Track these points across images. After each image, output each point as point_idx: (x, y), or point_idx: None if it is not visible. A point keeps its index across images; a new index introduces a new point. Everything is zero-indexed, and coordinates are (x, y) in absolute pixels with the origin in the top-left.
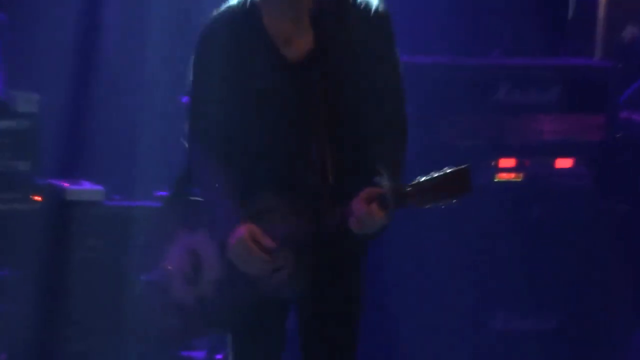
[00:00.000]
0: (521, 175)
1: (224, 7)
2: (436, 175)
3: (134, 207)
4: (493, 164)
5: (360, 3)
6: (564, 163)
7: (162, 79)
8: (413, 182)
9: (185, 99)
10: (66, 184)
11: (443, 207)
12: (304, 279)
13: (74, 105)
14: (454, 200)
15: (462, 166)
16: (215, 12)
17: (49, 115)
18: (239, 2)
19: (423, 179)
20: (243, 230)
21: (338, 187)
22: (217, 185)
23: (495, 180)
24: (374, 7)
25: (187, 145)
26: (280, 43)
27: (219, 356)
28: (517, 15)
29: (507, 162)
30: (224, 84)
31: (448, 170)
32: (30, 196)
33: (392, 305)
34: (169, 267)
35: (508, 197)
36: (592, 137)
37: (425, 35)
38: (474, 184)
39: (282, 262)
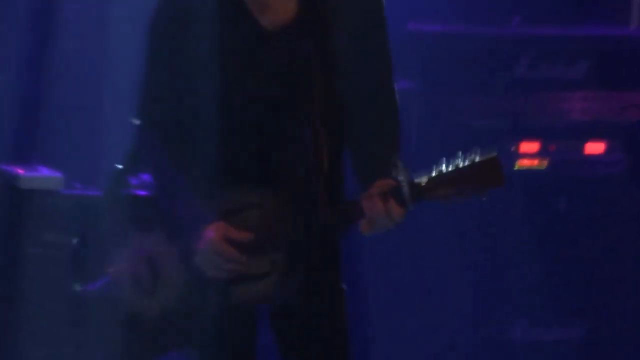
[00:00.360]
0: (545, 162)
1: None
2: (460, 165)
3: (97, 197)
4: (513, 148)
5: None
6: (594, 148)
7: (131, 55)
8: (434, 174)
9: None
10: (20, 170)
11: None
12: (293, 286)
13: (30, 82)
14: (483, 195)
15: (491, 155)
16: None
17: (1, 93)
18: None
19: (445, 169)
20: (212, 231)
21: (332, 178)
22: (178, 177)
23: (515, 167)
24: None
25: (138, 128)
26: (256, 9)
27: None
28: None
29: (529, 147)
30: (187, 56)
31: (475, 160)
32: None
33: (398, 311)
34: (120, 275)
35: (530, 188)
36: (627, 117)
37: (436, 2)
38: None
39: (267, 267)
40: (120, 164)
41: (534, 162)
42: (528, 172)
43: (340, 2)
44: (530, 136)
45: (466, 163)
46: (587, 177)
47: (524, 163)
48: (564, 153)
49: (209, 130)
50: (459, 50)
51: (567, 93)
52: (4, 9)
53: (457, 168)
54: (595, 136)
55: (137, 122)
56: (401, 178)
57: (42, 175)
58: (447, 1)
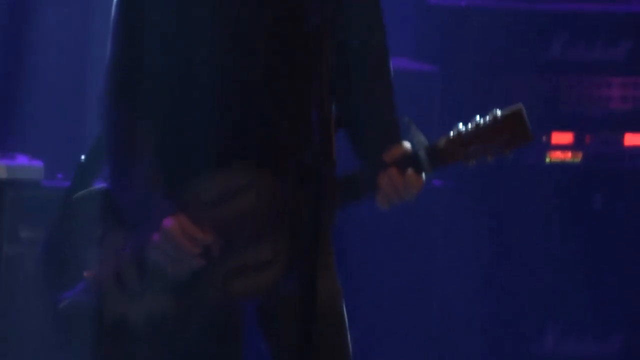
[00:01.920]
0: (580, 154)
1: None
2: (480, 121)
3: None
4: (544, 139)
5: None
6: (634, 140)
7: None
8: (452, 134)
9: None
10: None
11: (493, 160)
12: (298, 276)
13: (5, 62)
14: (509, 152)
15: (515, 108)
16: None
17: None
18: None
19: (464, 128)
20: (169, 222)
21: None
22: (147, 162)
23: (547, 160)
24: None
25: (106, 105)
26: None
27: None
28: None
29: (561, 137)
30: (166, 20)
31: (496, 114)
32: None
33: (415, 317)
34: (99, 279)
35: (562, 183)
36: None
37: None
38: (520, 163)
39: (268, 255)
40: (87, 156)
41: (567, 155)
42: (560, 166)
43: None
44: (563, 125)
45: (487, 119)
46: (626, 172)
47: (555, 156)
48: (601, 145)
49: (200, 98)
50: (484, 27)
51: (605, 78)
52: None
53: (477, 125)
54: (635, 127)
55: (106, 97)
56: (416, 142)
57: (20, 164)
58: None
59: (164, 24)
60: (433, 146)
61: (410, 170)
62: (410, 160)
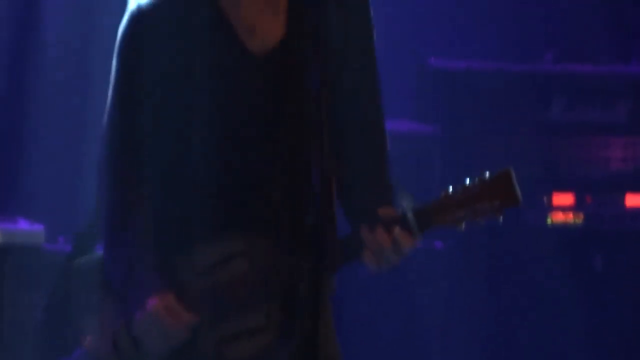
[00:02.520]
0: (581, 215)
1: None
2: (469, 184)
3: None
4: (545, 200)
5: None
6: (636, 200)
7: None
8: (441, 197)
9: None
10: None
11: (482, 223)
12: (293, 341)
13: (5, 120)
14: (497, 215)
15: (503, 170)
16: None
17: None
18: None
19: (453, 190)
20: (155, 300)
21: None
22: (137, 234)
23: (548, 222)
24: None
25: (101, 174)
26: (243, 32)
27: None
28: (575, 9)
29: (563, 198)
30: (167, 83)
31: (485, 177)
32: None
33: None
34: (96, 348)
35: (563, 245)
36: None
37: (460, 35)
38: (521, 224)
39: (262, 321)
40: (85, 225)
41: (569, 216)
42: (562, 227)
43: (328, 20)
44: (563, 186)
45: (476, 182)
46: (627, 233)
47: (557, 217)
48: (602, 206)
49: (192, 167)
50: (485, 89)
51: (605, 138)
52: None
53: (466, 188)
54: (636, 187)
55: (100, 165)
56: (404, 204)
57: (21, 229)
58: (472, 36)
59: (160, 93)
60: (422, 208)
61: (397, 230)
62: (398, 222)
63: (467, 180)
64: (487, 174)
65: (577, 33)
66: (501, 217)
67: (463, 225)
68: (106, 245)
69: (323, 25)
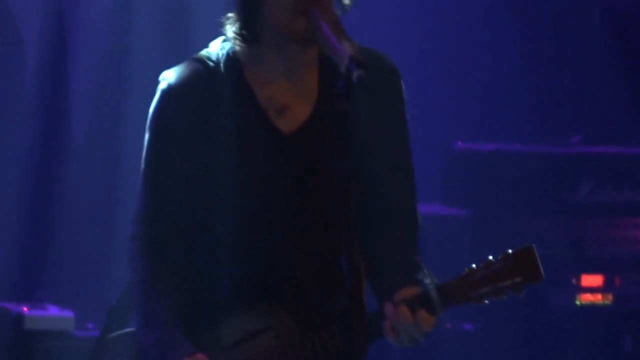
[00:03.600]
0: (610, 296)
1: (191, 59)
2: (492, 260)
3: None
4: (574, 281)
5: (370, 52)
6: None
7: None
8: (464, 274)
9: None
10: (25, 308)
11: (505, 299)
12: None
13: (34, 203)
14: (520, 292)
15: (526, 246)
16: (179, 66)
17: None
18: (210, 53)
19: (475, 267)
20: None
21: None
22: (167, 305)
23: (577, 302)
24: (387, 62)
25: (131, 251)
26: (272, 112)
27: None
28: (603, 92)
29: (591, 280)
30: (198, 162)
31: (507, 253)
32: None
33: None
34: None
35: (593, 325)
36: None
37: (487, 117)
38: (550, 306)
39: None
40: (119, 298)
41: (598, 297)
42: (591, 308)
43: (358, 98)
44: (592, 268)
45: (499, 258)
46: None
47: (586, 298)
48: (632, 287)
49: (220, 243)
50: (512, 170)
51: (633, 219)
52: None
53: (488, 264)
54: None
55: (131, 244)
56: (427, 281)
57: (50, 315)
58: (497, 119)
59: (190, 170)
60: (445, 286)
61: (420, 309)
62: (422, 299)
63: (490, 257)
64: (509, 250)
65: (604, 116)
66: (523, 293)
67: (486, 302)
68: (138, 318)
69: (353, 110)
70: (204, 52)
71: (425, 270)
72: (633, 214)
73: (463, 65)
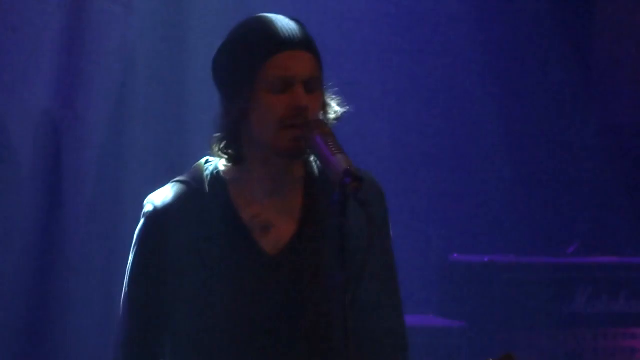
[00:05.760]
0: None
1: (175, 181)
2: None
3: None
4: None
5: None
6: None
7: None
8: None
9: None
10: None
11: None
12: None
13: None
14: None
15: (506, 354)
16: (163, 189)
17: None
18: (195, 176)
19: None
20: None
21: None
22: None
23: None
24: (374, 181)
25: None
26: (257, 231)
27: None
28: (598, 200)
29: None
30: (182, 283)
31: None
32: None
33: None
34: None
35: None
36: None
37: (480, 229)
38: None
39: None
40: None
41: None
42: None
43: (343, 224)
44: None
45: None
46: None
47: None
48: None
49: None
50: (507, 282)
51: (630, 329)
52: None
53: None
54: None
55: None
56: None
57: None
58: (495, 230)
59: (175, 292)
60: None
61: None
62: None
63: None
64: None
65: (599, 225)
66: None
67: None
68: None
69: (339, 228)
70: (187, 174)
71: None
72: (630, 323)
73: (458, 177)
